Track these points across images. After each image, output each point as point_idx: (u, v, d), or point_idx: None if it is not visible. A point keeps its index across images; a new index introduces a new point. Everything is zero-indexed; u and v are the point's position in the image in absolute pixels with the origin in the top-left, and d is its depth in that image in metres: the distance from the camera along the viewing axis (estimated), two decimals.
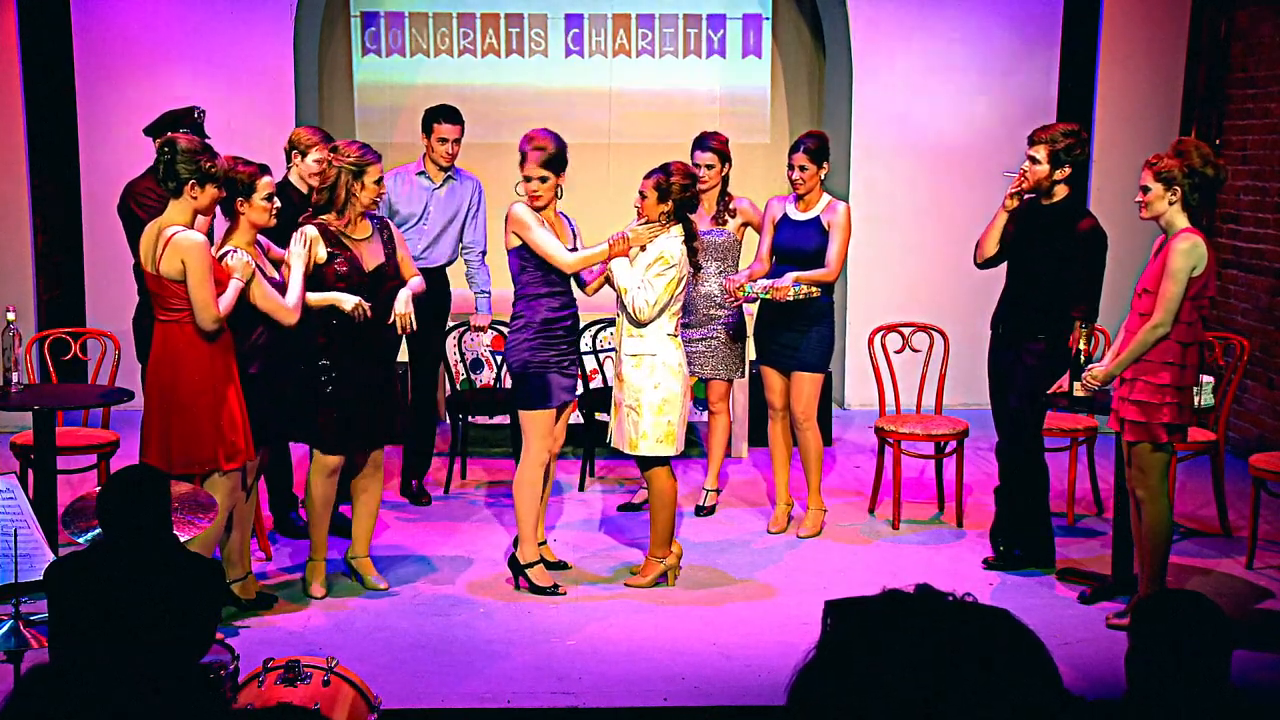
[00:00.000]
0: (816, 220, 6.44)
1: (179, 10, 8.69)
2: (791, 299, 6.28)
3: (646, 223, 5.72)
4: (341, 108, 9.70)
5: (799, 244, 6.43)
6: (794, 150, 6.44)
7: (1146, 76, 8.79)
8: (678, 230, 5.73)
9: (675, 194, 5.67)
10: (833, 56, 9.37)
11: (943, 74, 8.98)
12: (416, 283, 5.78)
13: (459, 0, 9.67)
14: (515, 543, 5.92)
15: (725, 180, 6.72)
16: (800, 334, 6.43)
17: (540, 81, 9.78)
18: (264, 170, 5.36)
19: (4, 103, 8.39)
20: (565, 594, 5.79)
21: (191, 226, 5.14)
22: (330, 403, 5.59)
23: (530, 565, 5.83)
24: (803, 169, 6.40)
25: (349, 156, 5.54)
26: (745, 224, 6.77)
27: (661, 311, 5.67)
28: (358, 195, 5.54)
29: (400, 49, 9.71)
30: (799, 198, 6.47)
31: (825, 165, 6.45)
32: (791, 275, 6.31)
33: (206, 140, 5.82)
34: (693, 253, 5.77)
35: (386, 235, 5.74)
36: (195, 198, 5.11)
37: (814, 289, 6.33)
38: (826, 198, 6.51)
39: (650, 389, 5.68)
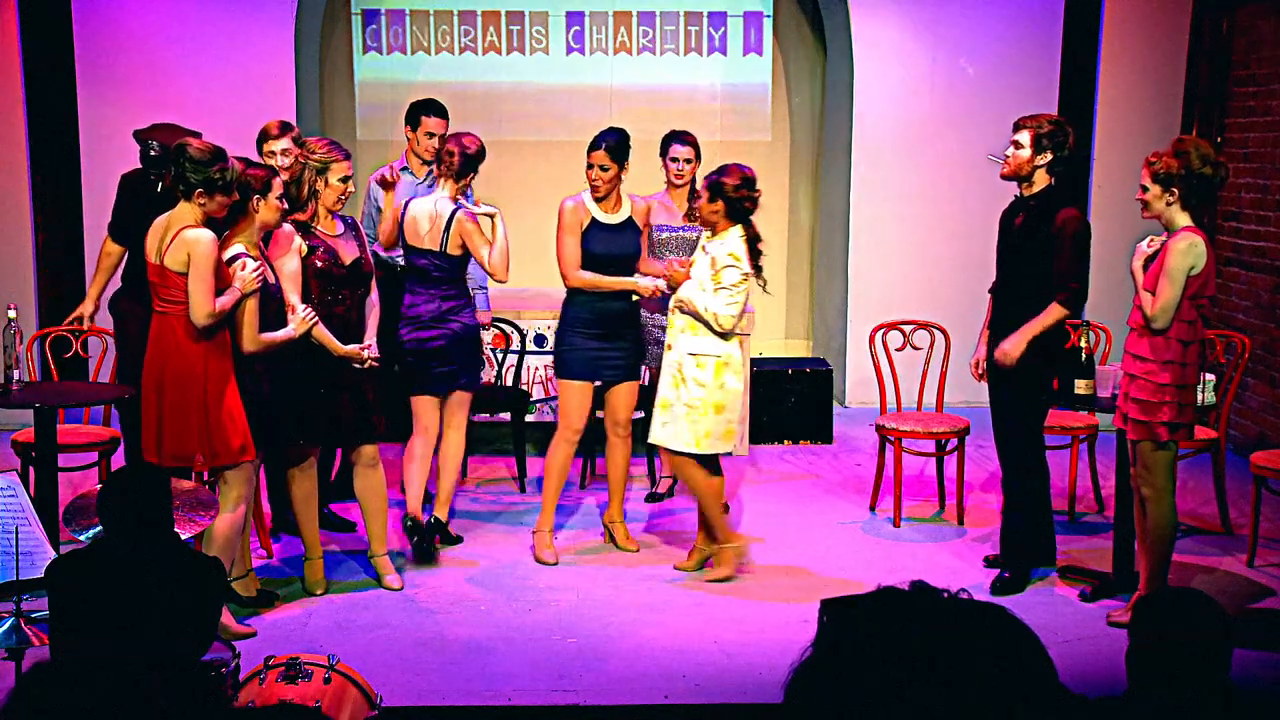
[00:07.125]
0: (630, 221, 6.16)
1: (179, 10, 8.68)
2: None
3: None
4: (342, 106, 9.70)
5: (622, 249, 6.11)
6: (593, 148, 6.04)
7: (1147, 75, 8.78)
8: (739, 231, 5.72)
9: (729, 194, 5.65)
10: (834, 54, 9.36)
11: (943, 72, 8.97)
12: (373, 319, 5.84)
13: None
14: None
15: (694, 179, 6.68)
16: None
17: (541, 79, 9.79)
18: (273, 172, 5.45)
19: (4, 103, 8.39)
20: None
21: (202, 225, 5.16)
22: (289, 396, 5.60)
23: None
24: (603, 169, 6.02)
25: (315, 153, 5.63)
26: None
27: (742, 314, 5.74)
28: (321, 192, 5.62)
29: (401, 46, 9.72)
30: (599, 200, 6.08)
31: (626, 167, 6.08)
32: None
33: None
34: (755, 254, 5.72)
35: (357, 234, 5.84)
36: (203, 204, 5.13)
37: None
38: (626, 197, 6.19)
39: (715, 388, 5.70)
